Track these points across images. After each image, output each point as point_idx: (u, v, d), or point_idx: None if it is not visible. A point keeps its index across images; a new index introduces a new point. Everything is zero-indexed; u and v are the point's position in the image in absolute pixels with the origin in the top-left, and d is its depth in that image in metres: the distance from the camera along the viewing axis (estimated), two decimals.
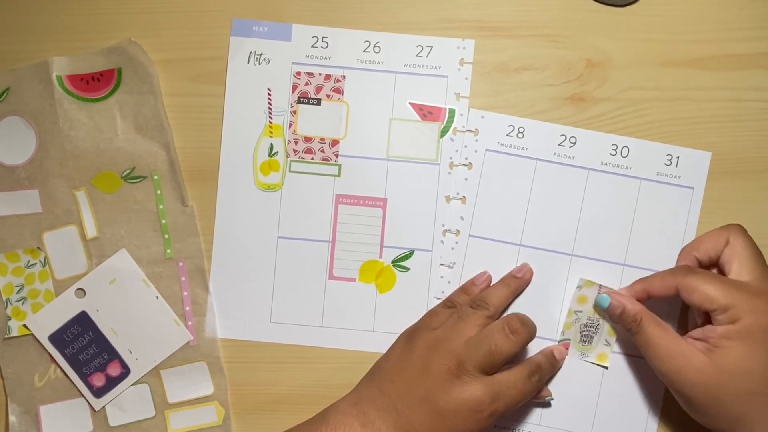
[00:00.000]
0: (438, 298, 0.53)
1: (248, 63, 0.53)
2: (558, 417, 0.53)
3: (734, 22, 0.52)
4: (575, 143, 0.53)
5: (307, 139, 0.53)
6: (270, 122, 0.53)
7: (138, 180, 0.53)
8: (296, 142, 0.53)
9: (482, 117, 0.53)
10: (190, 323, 0.53)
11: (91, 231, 0.53)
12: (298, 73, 0.53)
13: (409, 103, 0.53)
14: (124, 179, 0.53)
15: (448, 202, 0.53)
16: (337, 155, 0.53)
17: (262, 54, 0.53)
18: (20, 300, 0.52)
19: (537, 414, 0.53)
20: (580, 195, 0.53)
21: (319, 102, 0.53)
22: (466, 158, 0.53)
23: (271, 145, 0.53)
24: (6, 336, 0.52)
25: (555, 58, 0.53)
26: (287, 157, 0.53)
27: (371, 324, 0.53)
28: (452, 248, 0.53)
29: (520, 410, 0.53)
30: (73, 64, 0.53)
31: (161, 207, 0.53)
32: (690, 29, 0.53)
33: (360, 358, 0.53)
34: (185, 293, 0.53)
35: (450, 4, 0.53)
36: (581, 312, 0.52)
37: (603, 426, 0.52)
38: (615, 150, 0.53)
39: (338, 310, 0.53)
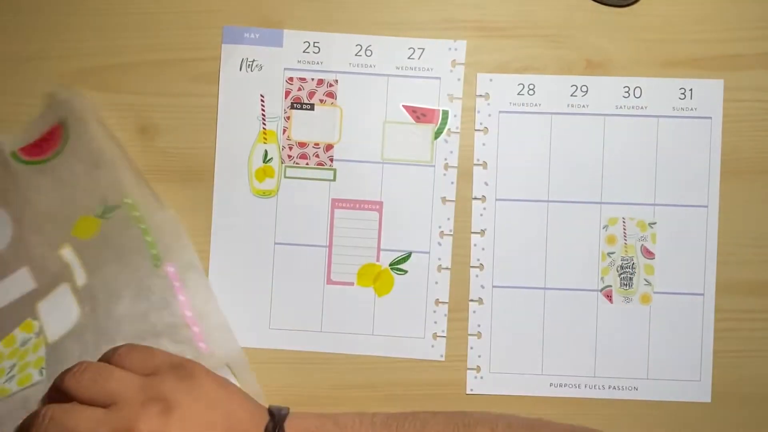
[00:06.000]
0: (442, 302, 0.53)
1: (240, 70, 0.53)
2: (613, 367, 0.53)
3: (734, 22, 0.52)
4: (587, 92, 0.53)
5: (302, 145, 0.53)
6: (264, 128, 0.53)
7: (113, 211, 0.52)
8: (290, 148, 0.53)
9: (491, 80, 0.53)
10: (196, 329, 0.51)
11: (80, 280, 0.51)
12: (291, 78, 0.53)
13: (403, 105, 0.53)
14: (101, 217, 0.51)
15: (443, 203, 0.53)
16: (331, 159, 0.53)
17: (254, 61, 0.53)
18: (9, 379, 0.49)
19: (590, 367, 0.53)
20: (600, 142, 0.53)
21: (312, 107, 0.53)
22: (481, 123, 0.53)
23: (266, 151, 0.53)
24: None
25: (555, 58, 0.53)
26: (282, 162, 0.53)
27: (371, 328, 0.54)
28: (480, 215, 0.53)
29: (572, 365, 0.53)
30: (21, 137, 0.52)
31: (143, 227, 0.51)
32: (690, 29, 0.52)
33: (360, 362, 0.53)
34: (182, 298, 0.51)
35: (450, 4, 0.53)
36: (614, 253, 0.53)
37: (658, 369, 0.53)
38: (628, 92, 0.53)
39: (337, 314, 0.53)
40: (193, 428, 0.41)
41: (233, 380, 0.50)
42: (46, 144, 0.52)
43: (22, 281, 0.50)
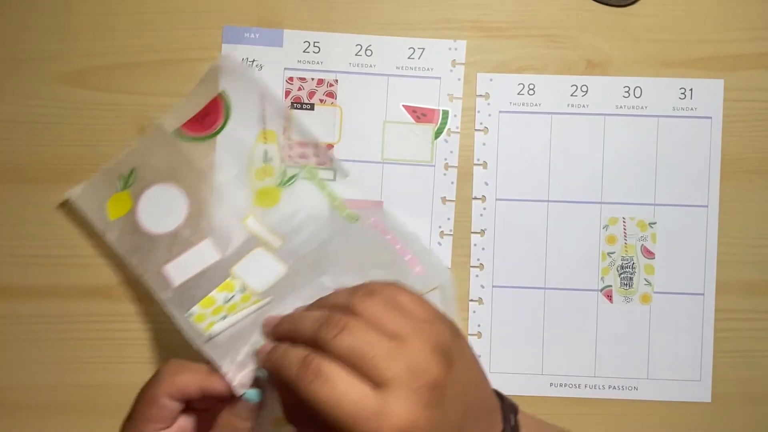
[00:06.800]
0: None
1: None
2: (613, 367, 0.53)
3: (734, 22, 0.52)
4: (587, 92, 0.53)
5: (302, 145, 0.53)
6: (264, 128, 0.53)
7: (294, 178, 0.52)
8: (291, 148, 0.53)
9: (491, 80, 0.53)
10: (408, 257, 0.50)
11: (275, 243, 0.51)
12: (291, 78, 0.53)
13: (403, 105, 0.53)
14: (281, 185, 0.52)
15: (444, 203, 0.53)
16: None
17: (254, 60, 0.53)
18: (222, 318, 0.47)
19: (590, 367, 0.53)
20: (600, 142, 0.53)
21: (312, 107, 0.53)
22: (481, 123, 0.53)
23: (266, 151, 0.53)
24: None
25: (555, 58, 0.53)
26: (282, 162, 0.53)
27: None
28: (480, 215, 0.53)
29: (572, 365, 0.53)
30: (178, 114, 0.52)
31: (327, 191, 0.52)
32: (690, 29, 0.52)
33: None
34: (388, 237, 0.51)
35: (450, 4, 0.53)
36: (614, 253, 0.53)
37: (658, 369, 0.53)
38: (628, 92, 0.53)
39: None
40: (461, 397, 0.37)
41: (439, 303, 0.45)
42: (209, 118, 0.52)
43: (207, 252, 0.50)
